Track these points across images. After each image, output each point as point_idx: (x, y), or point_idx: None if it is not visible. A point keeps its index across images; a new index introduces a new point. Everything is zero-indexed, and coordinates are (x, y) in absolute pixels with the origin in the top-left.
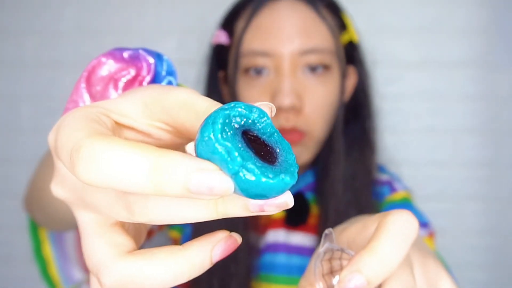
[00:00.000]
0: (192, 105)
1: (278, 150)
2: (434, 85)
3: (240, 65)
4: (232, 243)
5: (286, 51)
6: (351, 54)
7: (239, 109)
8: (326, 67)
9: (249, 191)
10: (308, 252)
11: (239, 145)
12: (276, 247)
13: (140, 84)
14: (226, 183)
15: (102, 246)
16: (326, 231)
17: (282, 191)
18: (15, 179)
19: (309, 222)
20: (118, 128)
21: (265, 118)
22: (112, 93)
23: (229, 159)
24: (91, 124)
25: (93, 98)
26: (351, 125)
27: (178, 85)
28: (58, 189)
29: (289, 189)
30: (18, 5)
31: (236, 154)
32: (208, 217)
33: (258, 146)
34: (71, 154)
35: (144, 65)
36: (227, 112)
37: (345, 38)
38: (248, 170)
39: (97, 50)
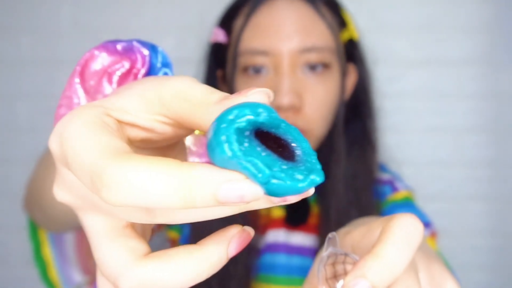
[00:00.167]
0: (188, 95)
1: (290, 141)
2: (436, 83)
3: (238, 63)
4: (246, 237)
5: (285, 49)
6: (351, 52)
7: (248, 117)
8: (326, 66)
9: (278, 194)
10: (308, 252)
11: (262, 153)
12: (276, 247)
13: (135, 77)
14: (256, 191)
15: (117, 252)
16: (330, 235)
17: (310, 189)
18: (13, 179)
19: (309, 221)
20: (121, 126)
21: (272, 114)
22: (107, 87)
23: (256, 172)
24: (102, 136)
25: (87, 93)
26: (352, 124)
27: None
28: (63, 194)
29: None
30: (15, 2)
31: (262, 165)
32: (231, 213)
33: (271, 141)
34: (93, 179)
35: (139, 57)
36: (237, 125)
37: (345, 36)
38: (277, 178)
39: None
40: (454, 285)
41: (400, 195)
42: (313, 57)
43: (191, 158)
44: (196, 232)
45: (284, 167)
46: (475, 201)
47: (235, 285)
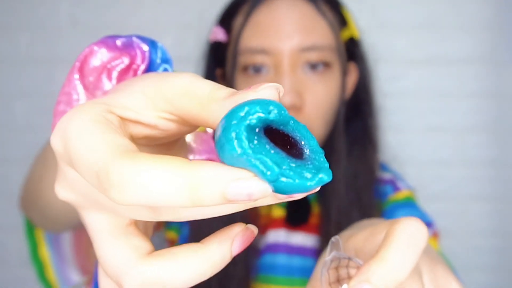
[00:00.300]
0: (194, 91)
1: (298, 139)
2: (438, 82)
3: (238, 62)
4: (249, 235)
5: (286, 48)
6: (352, 51)
7: (259, 114)
8: (326, 65)
9: (286, 192)
10: (309, 252)
11: (271, 151)
12: (276, 248)
13: (135, 73)
14: (264, 189)
15: (120, 250)
16: (333, 239)
17: (317, 187)
18: (12, 179)
19: (310, 221)
20: (123, 124)
21: (282, 112)
22: (106, 83)
23: (265, 170)
24: (107, 134)
25: (87, 89)
26: (353, 123)
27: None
28: (65, 192)
29: None
30: (13, 0)
31: (271, 163)
32: (236, 210)
33: (279, 138)
34: (100, 178)
35: (138, 53)
36: (248, 122)
37: (345, 34)
38: (286, 176)
39: None
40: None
41: (401, 194)
42: (313, 56)
43: (191, 155)
44: (195, 233)
45: (293, 165)
46: (478, 201)
47: (235, 286)
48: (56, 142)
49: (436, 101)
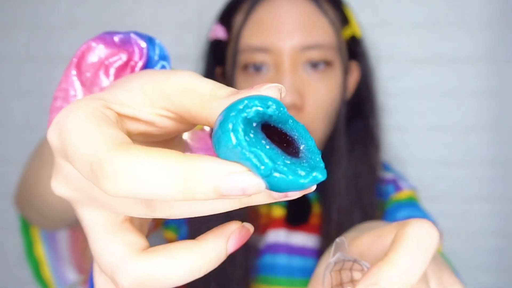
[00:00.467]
0: (194, 90)
1: (296, 138)
2: (439, 81)
3: (238, 61)
4: (245, 233)
5: (286, 47)
6: (353, 49)
7: (257, 108)
8: (327, 63)
9: (280, 189)
10: (310, 253)
11: (266, 146)
12: (276, 248)
13: (132, 70)
14: (258, 184)
15: (115, 246)
16: (338, 239)
17: (311, 186)
18: (9, 178)
19: (311, 221)
20: (121, 119)
21: (281, 109)
22: (103, 79)
23: (259, 164)
24: (103, 128)
25: (84, 85)
26: (354, 122)
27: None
28: (61, 187)
29: None
30: None
31: (265, 158)
32: (231, 208)
33: (277, 136)
34: (93, 169)
35: (136, 49)
36: (245, 115)
37: (347, 32)
38: (279, 172)
39: None
40: None
41: (403, 194)
42: (314, 55)
43: (188, 153)
44: (194, 232)
45: (287, 162)
46: (481, 202)
47: (235, 287)
48: (52, 136)
49: (437, 100)
